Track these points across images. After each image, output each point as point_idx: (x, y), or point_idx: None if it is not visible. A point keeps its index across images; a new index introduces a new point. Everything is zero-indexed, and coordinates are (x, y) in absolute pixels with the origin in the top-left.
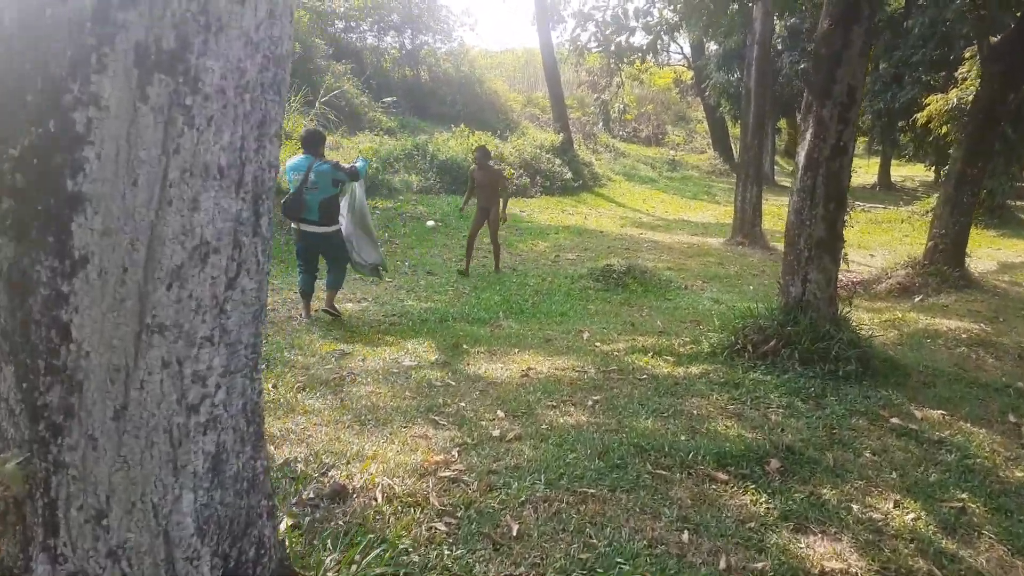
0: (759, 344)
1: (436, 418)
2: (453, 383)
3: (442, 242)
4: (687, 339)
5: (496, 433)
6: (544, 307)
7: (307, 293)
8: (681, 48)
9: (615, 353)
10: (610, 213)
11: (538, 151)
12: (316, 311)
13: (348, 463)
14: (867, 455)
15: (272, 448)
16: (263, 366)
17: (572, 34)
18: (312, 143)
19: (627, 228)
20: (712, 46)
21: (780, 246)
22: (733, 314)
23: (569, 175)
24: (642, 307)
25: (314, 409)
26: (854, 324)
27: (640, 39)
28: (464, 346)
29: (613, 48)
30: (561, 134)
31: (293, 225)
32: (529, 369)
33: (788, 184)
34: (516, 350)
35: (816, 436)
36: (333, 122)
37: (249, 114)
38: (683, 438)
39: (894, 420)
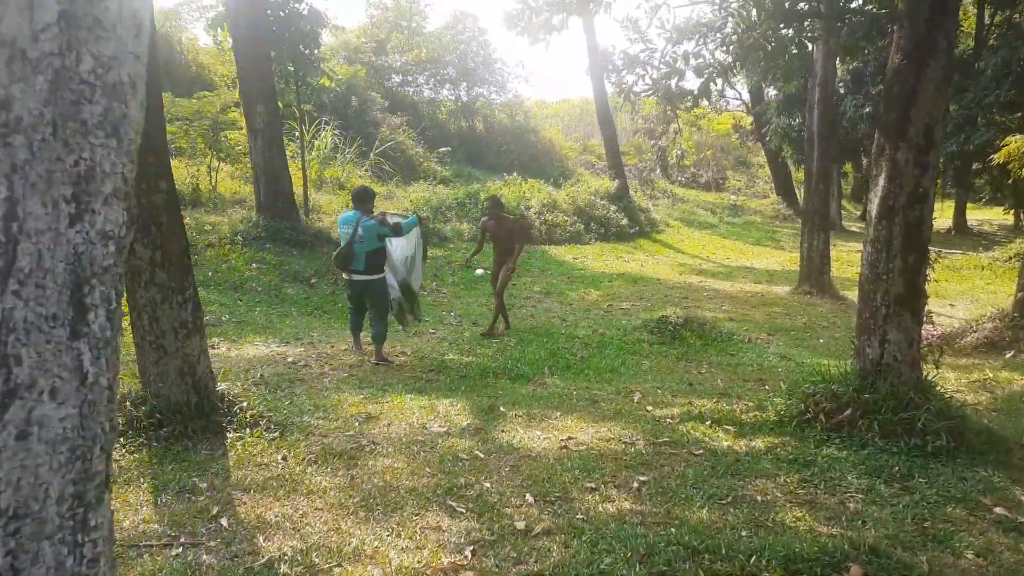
0: (833, 413)
1: (454, 503)
2: (482, 455)
3: (490, 290)
4: (750, 403)
5: (521, 525)
6: (594, 362)
7: (355, 329)
8: (739, 93)
9: (668, 420)
10: (668, 260)
11: (592, 197)
12: (367, 348)
13: (340, 564)
14: (969, 556)
15: (261, 539)
16: (277, 433)
17: (619, 77)
18: (360, 199)
19: (686, 276)
20: (771, 91)
21: (851, 295)
22: (802, 374)
23: (625, 221)
24: (701, 363)
25: (319, 488)
26: (942, 390)
27: (692, 83)
28: (501, 408)
29: (663, 93)
30: (616, 180)
31: (344, 276)
32: (569, 439)
33: (856, 230)
34: (558, 413)
35: (904, 531)
36: (387, 172)
37: (29, 165)
38: (744, 534)
39: (998, 509)
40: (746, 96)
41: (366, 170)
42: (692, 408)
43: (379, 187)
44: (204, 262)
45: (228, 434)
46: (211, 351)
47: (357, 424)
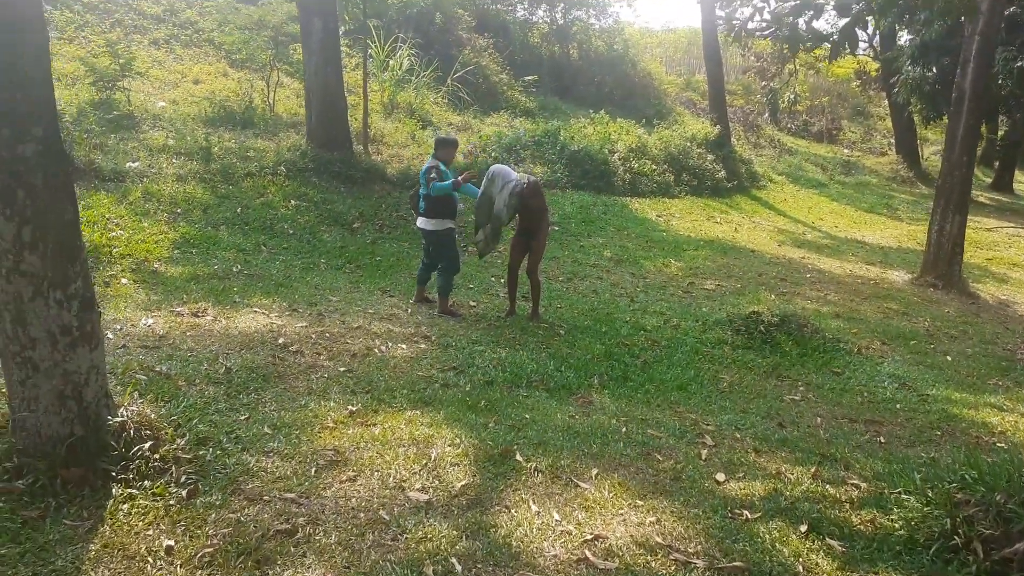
0: (996, 543)
1: None
2: (459, 568)
3: (553, 252)
4: (864, 482)
5: None
6: (658, 372)
7: (421, 280)
8: (868, 36)
9: (745, 509)
10: (767, 224)
11: (687, 144)
12: (429, 297)
13: None
14: None
15: None
16: (190, 487)
17: (731, 10)
18: (437, 146)
19: (786, 248)
20: (905, 35)
21: (983, 292)
22: (928, 417)
23: (722, 174)
24: (796, 383)
25: None
26: None
27: (821, 24)
28: (518, 456)
29: (789, 31)
30: (718, 126)
31: None
32: (596, 539)
33: (986, 201)
34: (594, 471)
35: None
36: (465, 100)
37: None
38: None
39: None
40: (875, 38)
41: (442, 96)
42: (782, 486)
43: (455, 116)
44: (238, 194)
45: (115, 490)
46: (194, 320)
47: (313, 472)
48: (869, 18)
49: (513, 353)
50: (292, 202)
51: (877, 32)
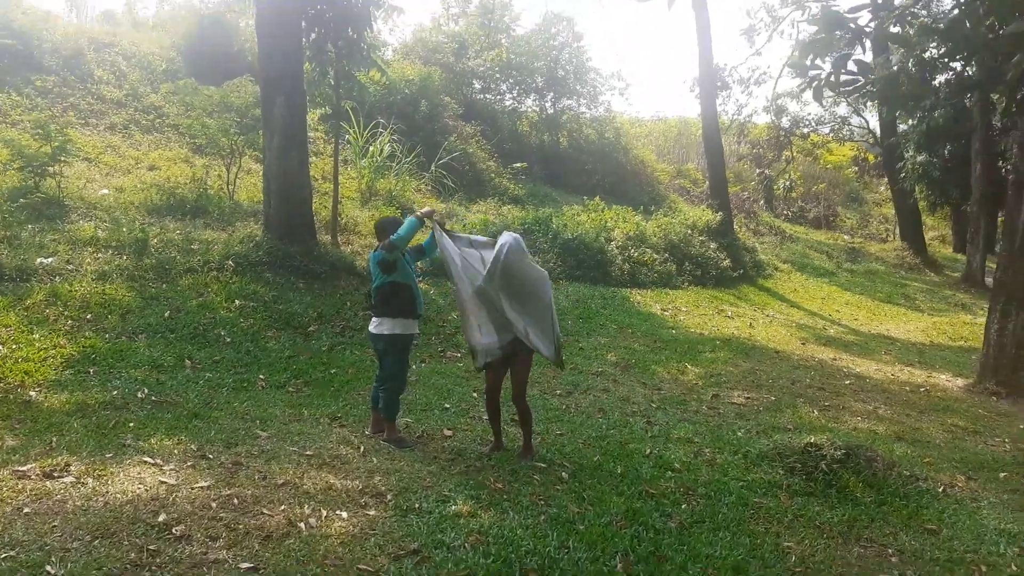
0: None
1: None
2: None
3: None
4: None
5: None
6: (701, 541)
7: (375, 402)
8: (866, 121)
9: None
10: (782, 318)
11: (688, 231)
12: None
13: None
14: None
15: None
16: None
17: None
18: (379, 232)
19: (811, 346)
20: (909, 122)
21: None
22: None
23: (727, 262)
24: (885, 551)
25: None
26: None
27: (812, 107)
28: None
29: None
30: (719, 212)
31: None
32: None
33: None
34: None
35: None
36: (450, 187)
37: None
38: None
39: None
40: (875, 124)
41: (425, 182)
42: None
43: (439, 204)
44: (171, 295)
45: None
46: (42, 485)
47: None
48: (868, 104)
49: (500, 519)
50: (236, 302)
51: (877, 119)
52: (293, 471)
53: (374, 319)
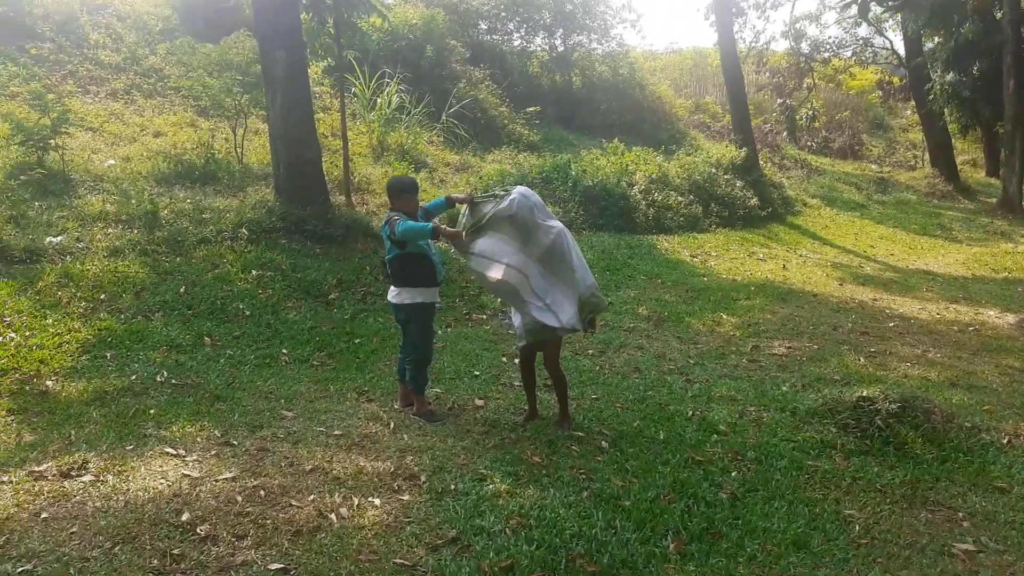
0: None
1: None
2: None
3: None
4: None
5: None
6: (756, 512)
7: (402, 373)
8: (890, 42)
9: None
10: (815, 256)
11: (712, 170)
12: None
13: None
14: None
15: None
16: None
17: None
18: (391, 193)
19: (848, 286)
20: (934, 40)
21: None
22: None
23: (755, 201)
24: (955, 515)
25: None
26: None
27: (832, 31)
28: None
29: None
30: (744, 148)
31: None
32: None
33: None
34: None
35: None
36: (462, 137)
37: None
38: None
39: None
40: (899, 45)
41: (436, 134)
42: None
43: (452, 155)
44: (185, 268)
45: None
46: (60, 485)
47: None
48: (890, 21)
49: (540, 497)
50: (253, 272)
51: (901, 38)
52: (321, 454)
53: (392, 288)
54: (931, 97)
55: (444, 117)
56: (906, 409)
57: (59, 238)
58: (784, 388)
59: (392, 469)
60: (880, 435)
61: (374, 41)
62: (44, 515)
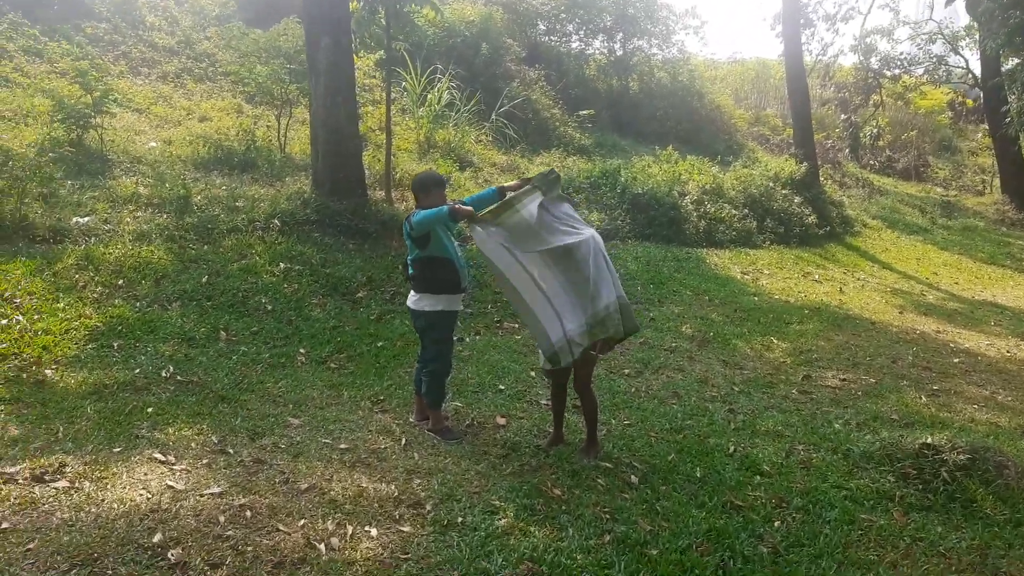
0: None
1: None
2: None
3: None
4: None
5: None
6: (800, 574)
7: (419, 385)
8: (965, 61)
9: None
10: (874, 281)
11: (770, 184)
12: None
13: None
14: None
15: None
16: None
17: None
18: (417, 190)
19: (909, 314)
20: (1012, 60)
21: None
22: None
23: (812, 219)
24: None
25: None
26: None
27: (904, 46)
28: None
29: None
30: (804, 163)
31: None
32: None
33: None
34: None
35: None
36: (511, 137)
37: None
38: None
39: None
40: (975, 64)
41: (485, 132)
42: None
43: (499, 155)
44: (212, 257)
45: None
46: (29, 492)
47: None
48: (966, 39)
49: (556, 538)
50: (281, 265)
51: (978, 57)
52: (321, 471)
53: (412, 292)
54: (1008, 120)
55: (494, 116)
56: (976, 461)
57: (86, 219)
58: (837, 425)
59: (396, 494)
60: (945, 489)
61: (429, 36)
62: (4, 525)
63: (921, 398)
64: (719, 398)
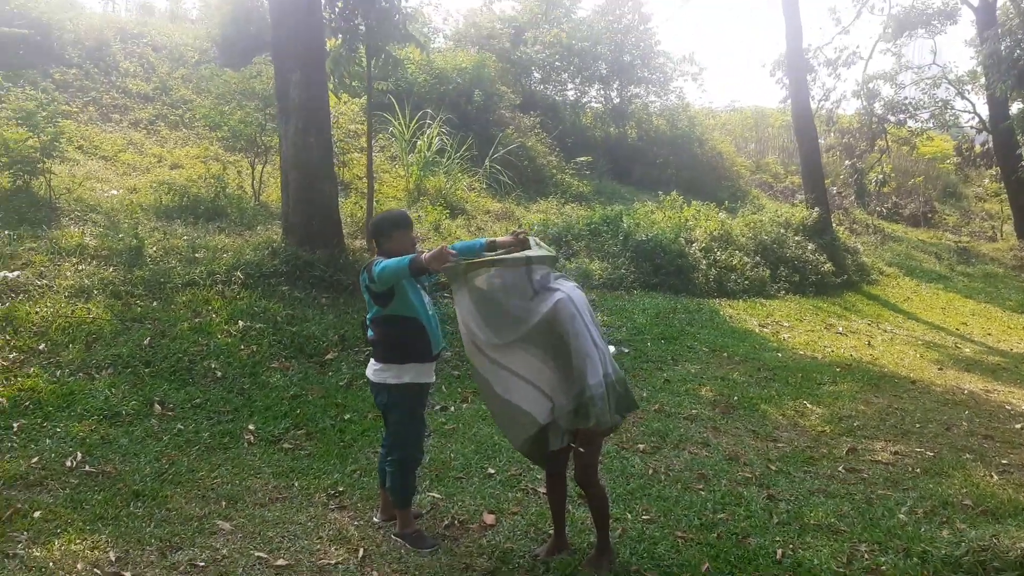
0: None
1: None
2: None
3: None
4: None
5: None
6: None
7: (381, 478)
8: (972, 105)
9: None
10: (903, 333)
11: (781, 230)
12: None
13: None
14: None
15: None
16: None
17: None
18: (377, 233)
19: (950, 371)
20: (1018, 104)
21: None
22: None
23: (828, 266)
24: None
25: None
26: None
27: (908, 91)
28: None
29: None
30: (815, 208)
31: None
32: None
33: None
34: None
35: None
36: (506, 184)
37: None
38: None
39: None
40: (982, 108)
41: (478, 179)
42: None
43: (494, 203)
44: (160, 314)
45: None
46: None
47: None
48: (970, 85)
49: None
50: (239, 324)
51: (985, 100)
52: None
53: (372, 361)
54: (1022, 163)
55: (487, 162)
56: None
57: (15, 273)
58: (901, 516)
59: None
60: None
61: (419, 82)
62: None
63: (991, 476)
64: (754, 480)
